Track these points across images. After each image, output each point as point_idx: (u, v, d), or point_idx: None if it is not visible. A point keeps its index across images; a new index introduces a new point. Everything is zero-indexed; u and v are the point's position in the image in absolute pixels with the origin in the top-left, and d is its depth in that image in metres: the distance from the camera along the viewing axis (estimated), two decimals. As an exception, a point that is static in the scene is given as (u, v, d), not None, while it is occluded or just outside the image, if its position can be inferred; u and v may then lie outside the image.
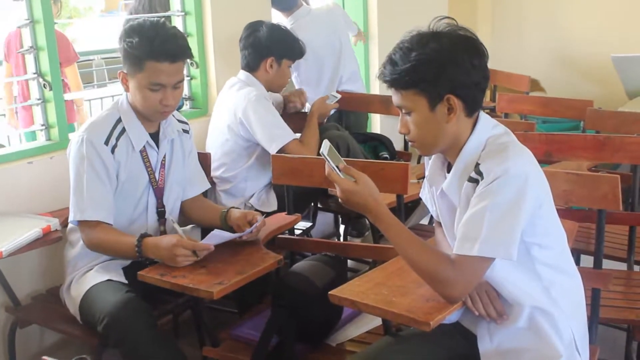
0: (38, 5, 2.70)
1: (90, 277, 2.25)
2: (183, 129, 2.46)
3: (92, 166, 2.19)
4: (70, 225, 2.33)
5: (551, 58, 5.42)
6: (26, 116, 3.91)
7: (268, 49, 3.04)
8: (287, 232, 2.49)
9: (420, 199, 2.00)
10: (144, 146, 2.31)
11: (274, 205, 2.96)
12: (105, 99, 5.48)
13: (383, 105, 3.69)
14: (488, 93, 4.99)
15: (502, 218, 1.57)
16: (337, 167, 1.69)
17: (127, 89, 2.26)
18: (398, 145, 3.69)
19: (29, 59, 2.79)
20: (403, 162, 2.80)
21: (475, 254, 1.58)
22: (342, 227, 3.82)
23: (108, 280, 2.21)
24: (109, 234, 2.20)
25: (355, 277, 1.91)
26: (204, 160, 2.73)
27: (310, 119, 3.17)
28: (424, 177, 1.91)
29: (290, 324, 2.07)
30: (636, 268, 2.65)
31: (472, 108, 1.68)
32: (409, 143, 1.75)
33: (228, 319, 2.55)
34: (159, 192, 2.35)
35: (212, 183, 2.94)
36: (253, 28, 3.08)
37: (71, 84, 4.15)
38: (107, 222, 2.21)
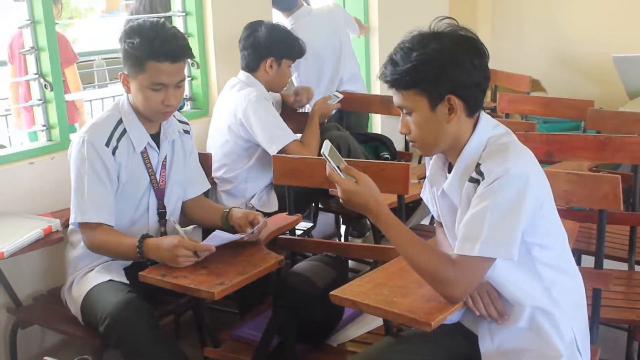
0: (39, 6, 2.70)
1: (91, 278, 2.25)
2: (184, 130, 2.46)
3: (93, 168, 2.19)
4: (71, 227, 2.33)
5: (552, 58, 5.42)
6: (28, 117, 3.91)
7: (267, 49, 3.04)
8: (288, 232, 2.49)
9: (421, 199, 2.00)
10: (145, 147, 2.31)
11: (274, 206, 2.96)
12: (106, 100, 5.48)
13: (384, 105, 3.70)
14: (489, 93, 4.99)
15: (503, 218, 1.57)
16: (338, 167, 1.69)
17: (128, 91, 2.26)
18: (399, 146, 3.69)
19: (30, 59, 2.79)
20: (404, 162, 2.80)
21: (476, 254, 1.58)
22: (343, 228, 3.82)
23: (109, 280, 2.21)
24: (110, 235, 2.20)
25: (356, 277, 1.91)
26: (205, 160, 2.73)
27: (312, 120, 3.16)
28: (424, 178, 1.91)
29: (291, 324, 2.07)
30: (637, 268, 2.64)
31: (473, 108, 1.68)
32: (410, 143, 1.75)
33: (229, 320, 2.55)
34: (160, 193, 2.36)
35: (213, 183, 2.94)
36: (252, 28, 3.08)
37: (70, 85, 4.14)
38: (108, 223, 2.21)
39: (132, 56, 2.18)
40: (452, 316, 1.74)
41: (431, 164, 1.84)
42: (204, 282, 1.93)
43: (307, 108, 3.52)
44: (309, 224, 3.41)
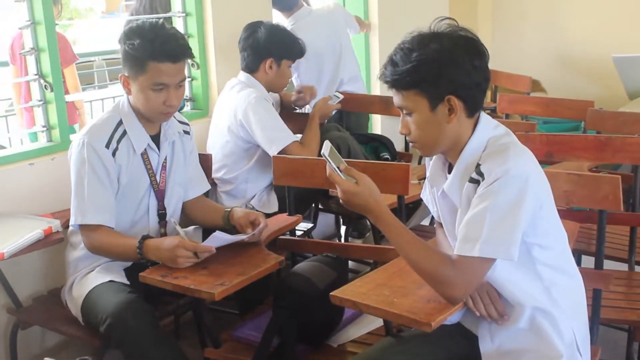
0: (39, 7, 2.70)
1: (92, 278, 2.25)
2: (184, 130, 2.46)
3: (93, 169, 2.19)
4: (71, 228, 2.33)
5: (552, 58, 5.42)
6: (28, 117, 3.92)
7: (267, 50, 3.04)
8: (288, 233, 2.49)
9: (421, 199, 2.00)
10: (145, 149, 2.31)
11: (274, 207, 2.96)
12: (106, 100, 5.48)
13: (384, 106, 3.70)
14: (489, 94, 5.00)
15: (502, 219, 1.57)
16: (338, 168, 1.69)
17: (129, 92, 2.26)
18: (399, 146, 3.69)
19: (30, 60, 2.79)
20: (404, 163, 2.80)
21: (476, 254, 1.58)
22: (343, 228, 3.82)
23: (110, 281, 2.21)
24: (110, 236, 2.20)
25: (357, 278, 1.91)
26: (205, 161, 2.73)
27: (312, 120, 3.16)
28: (424, 178, 1.92)
29: (292, 325, 2.07)
30: (637, 269, 2.64)
31: (473, 109, 1.68)
32: (410, 144, 1.75)
33: (229, 320, 2.55)
34: (160, 195, 2.36)
35: (213, 184, 2.94)
36: (252, 29, 3.08)
37: (69, 85, 4.15)
38: (108, 225, 2.21)
39: (133, 57, 2.18)
40: (453, 317, 1.74)
41: (431, 164, 1.84)
42: (205, 283, 1.93)
43: (307, 108, 3.53)
44: (309, 225, 3.41)
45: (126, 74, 2.23)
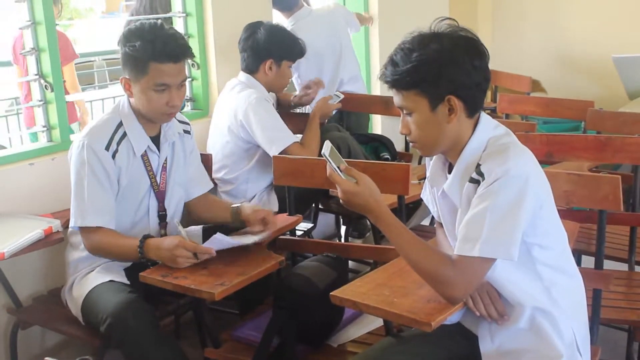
0: (39, 7, 2.70)
1: (92, 278, 2.25)
2: (184, 130, 2.45)
3: (93, 171, 2.19)
4: (71, 228, 2.33)
5: (552, 59, 5.42)
6: (28, 117, 3.92)
7: (267, 51, 3.04)
8: (288, 233, 2.49)
9: (421, 199, 2.00)
10: (145, 150, 2.30)
11: (275, 207, 2.96)
12: (106, 100, 5.48)
13: (384, 106, 3.70)
14: (489, 94, 5.00)
15: (502, 219, 1.57)
16: (339, 168, 1.69)
17: (130, 95, 2.25)
18: (399, 146, 3.69)
19: (31, 60, 2.79)
20: (404, 163, 2.80)
21: (476, 254, 1.58)
22: (343, 228, 3.82)
23: (110, 281, 2.21)
24: (110, 237, 2.20)
25: (357, 278, 1.91)
26: (206, 161, 2.73)
27: (312, 120, 3.16)
28: (425, 178, 1.92)
29: (292, 325, 2.07)
30: (637, 269, 2.64)
31: (473, 109, 1.68)
32: (410, 144, 1.75)
33: (229, 320, 2.56)
34: (160, 196, 2.36)
35: (214, 184, 2.94)
36: (252, 30, 3.08)
37: (67, 83, 4.15)
38: (108, 227, 2.21)
39: (134, 59, 2.17)
40: (453, 317, 1.74)
41: (431, 164, 1.84)
42: (205, 283, 1.93)
43: (307, 108, 3.53)
44: (309, 225, 3.41)
45: (127, 76, 2.22)
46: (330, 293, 1.77)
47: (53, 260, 2.67)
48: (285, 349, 2.08)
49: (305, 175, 2.48)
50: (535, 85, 5.13)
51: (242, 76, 3.08)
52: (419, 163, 3.62)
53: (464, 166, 1.69)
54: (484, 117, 1.72)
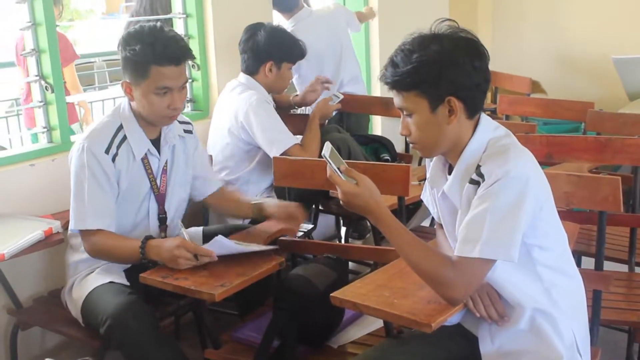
0: (40, 8, 2.71)
1: (92, 280, 2.25)
2: (185, 130, 2.45)
3: (93, 174, 2.19)
4: (70, 230, 2.33)
5: (552, 60, 5.42)
6: (28, 118, 3.92)
7: (267, 53, 3.04)
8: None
9: (421, 201, 2.00)
10: (145, 153, 2.30)
11: (275, 207, 2.96)
12: (106, 101, 5.49)
13: (384, 107, 3.69)
14: (489, 95, 5.00)
15: (502, 220, 1.57)
16: (339, 169, 1.70)
17: (131, 99, 2.24)
18: (399, 147, 3.70)
19: (31, 61, 2.80)
20: (404, 164, 2.80)
21: (476, 255, 1.58)
22: (343, 229, 3.82)
23: (110, 282, 2.21)
24: (110, 239, 2.20)
25: (357, 279, 1.91)
26: (206, 162, 2.73)
27: (312, 121, 3.16)
28: (425, 179, 1.92)
29: (292, 326, 2.07)
30: (637, 270, 2.64)
31: (473, 110, 1.68)
32: (410, 145, 1.75)
33: (229, 321, 2.55)
34: (160, 199, 2.35)
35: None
36: (252, 31, 3.08)
37: (68, 84, 4.15)
38: (108, 229, 2.21)
39: (134, 63, 2.17)
40: (453, 318, 1.74)
41: (431, 165, 1.84)
42: (205, 284, 1.94)
43: (307, 110, 3.53)
44: (309, 226, 3.41)
45: (128, 80, 2.21)
46: (331, 294, 1.77)
47: (53, 261, 2.67)
48: (285, 350, 2.08)
49: (306, 177, 2.48)
50: (535, 86, 5.13)
51: (242, 77, 3.08)
52: (419, 164, 3.62)
53: (464, 167, 1.69)
54: (484, 118, 1.73)
